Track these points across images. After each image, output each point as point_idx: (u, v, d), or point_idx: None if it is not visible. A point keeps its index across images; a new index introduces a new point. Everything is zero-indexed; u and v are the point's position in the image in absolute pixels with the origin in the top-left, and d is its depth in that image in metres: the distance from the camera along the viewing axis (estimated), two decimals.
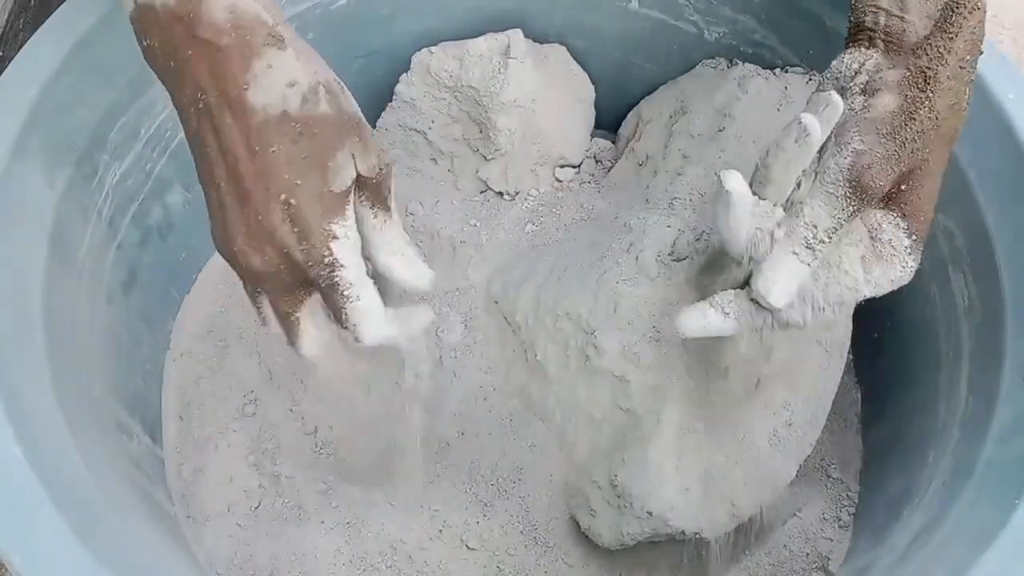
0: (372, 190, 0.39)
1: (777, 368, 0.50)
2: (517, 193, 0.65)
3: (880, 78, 0.41)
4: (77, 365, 0.46)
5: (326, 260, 0.38)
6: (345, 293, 0.39)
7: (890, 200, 0.41)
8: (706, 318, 0.42)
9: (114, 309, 0.52)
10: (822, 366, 0.54)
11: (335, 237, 0.38)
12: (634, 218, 0.57)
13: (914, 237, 0.41)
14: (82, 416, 0.44)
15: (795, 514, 0.56)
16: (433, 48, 0.62)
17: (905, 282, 0.42)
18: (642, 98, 0.67)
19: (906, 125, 0.39)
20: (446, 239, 0.63)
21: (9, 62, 0.46)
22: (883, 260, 0.41)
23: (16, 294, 0.43)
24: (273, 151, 0.37)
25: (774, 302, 0.40)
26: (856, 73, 0.42)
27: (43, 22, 0.48)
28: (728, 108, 0.58)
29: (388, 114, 0.64)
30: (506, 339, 0.60)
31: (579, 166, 0.66)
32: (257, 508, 0.54)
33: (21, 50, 0.47)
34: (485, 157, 0.64)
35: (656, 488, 0.51)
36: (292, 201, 0.37)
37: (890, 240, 0.41)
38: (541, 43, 0.65)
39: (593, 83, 0.67)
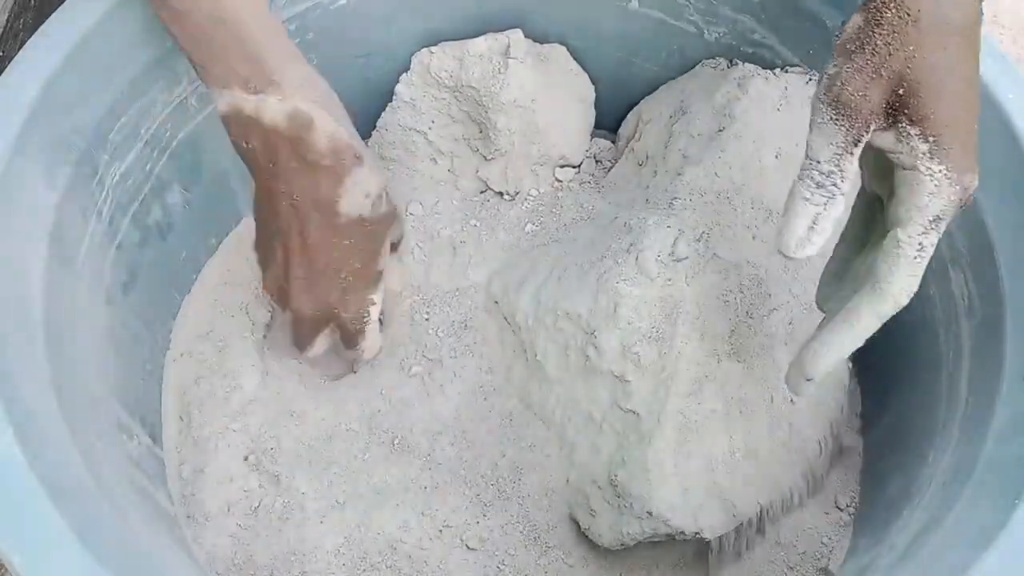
0: (394, 250, 0.53)
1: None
2: (517, 193, 0.65)
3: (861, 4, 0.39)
4: (77, 365, 0.46)
5: (364, 319, 0.52)
6: (364, 333, 0.53)
7: (895, 111, 0.38)
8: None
9: (114, 309, 0.52)
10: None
11: (373, 303, 0.52)
12: (634, 218, 0.57)
13: (931, 139, 0.37)
14: (82, 416, 0.44)
15: (795, 514, 0.56)
16: (433, 48, 0.62)
17: (946, 197, 0.37)
18: (642, 98, 0.67)
19: (873, 32, 0.37)
20: (446, 239, 0.63)
21: (9, 62, 0.46)
22: (908, 182, 0.38)
23: (16, 294, 0.43)
24: (348, 243, 0.48)
25: (789, 252, 0.39)
26: None
27: (43, 22, 0.48)
28: (728, 108, 0.58)
29: (388, 114, 0.64)
30: (506, 339, 0.60)
31: (579, 166, 0.66)
32: (257, 508, 0.54)
33: (21, 50, 0.47)
34: (485, 157, 0.64)
35: (656, 488, 0.51)
36: (350, 279, 0.50)
37: (909, 151, 0.38)
38: (541, 43, 0.64)
39: (593, 83, 0.67)
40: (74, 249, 0.48)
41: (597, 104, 0.67)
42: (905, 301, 0.40)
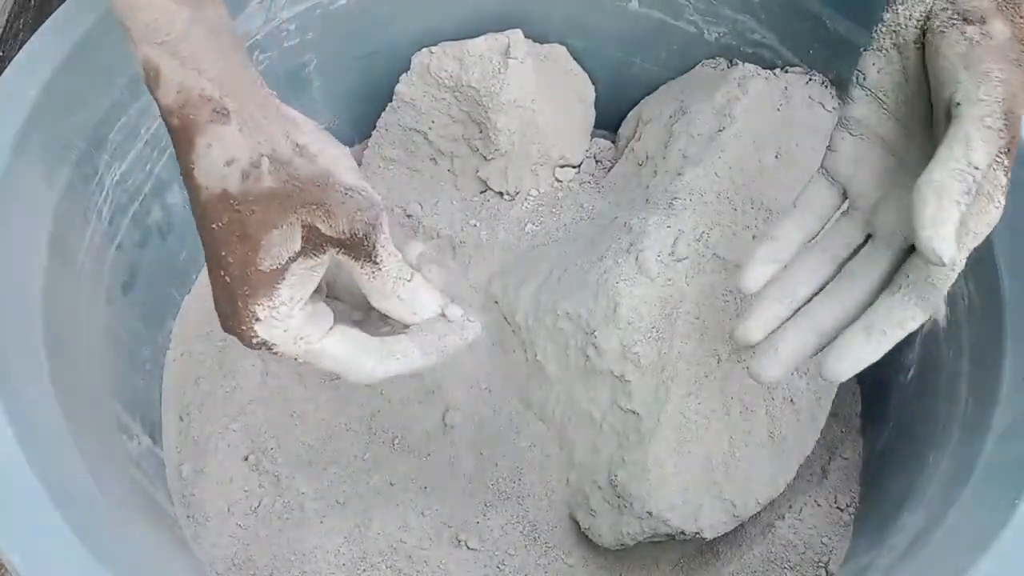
0: (351, 248, 0.37)
1: None
2: (517, 193, 0.65)
3: (973, 7, 0.37)
4: (77, 365, 0.46)
5: (254, 342, 0.38)
6: (301, 362, 0.39)
7: None
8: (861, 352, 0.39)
9: (114, 309, 0.52)
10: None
11: (257, 319, 0.37)
12: (634, 218, 0.57)
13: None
14: (82, 416, 0.44)
15: (795, 514, 0.56)
16: (433, 48, 0.61)
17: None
18: (642, 98, 0.67)
19: (1020, 50, 0.36)
20: (446, 239, 0.63)
21: (9, 62, 0.46)
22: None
23: (16, 294, 0.43)
24: (214, 227, 0.36)
25: (949, 259, 0.35)
26: (920, 19, 0.39)
27: (43, 22, 0.48)
28: (728, 108, 0.58)
29: (388, 114, 0.64)
30: (506, 339, 0.60)
31: (579, 166, 0.66)
32: (257, 508, 0.54)
33: (21, 50, 0.47)
34: (485, 157, 0.64)
35: (656, 488, 0.51)
36: (227, 279, 0.36)
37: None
38: (541, 43, 0.64)
39: (593, 83, 0.67)
40: (74, 249, 0.48)
41: (597, 104, 0.67)
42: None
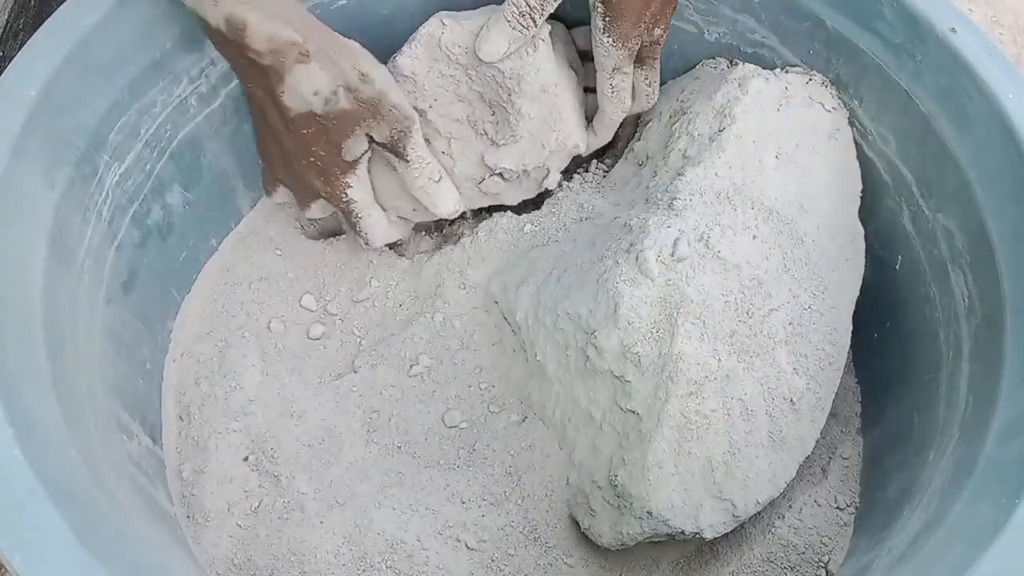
0: (390, 149, 0.55)
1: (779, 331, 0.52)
2: (526, 172, 0.61)
3: None
4: (77, 365, 0.46)
5: (344, 199, 0.56)
6: (358, 214, 0.57)
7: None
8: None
9: (114, 309, 0.52)
10: (827, 353, 0.54)
11: (349, 186, 0.55)
12: (634, 218, 0.57)
13: (607, 18, 0.54)
14: (82, 416, 0.44)
15: (795, 514, 0.56)
16: (446, 19, 0.56)
17: (615, 56, 0.56)
18: None
19: None
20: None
21: (9, 62, 0.46)
22: (594, 45, 0.56)
23: (16, 294, 0.43)
24: (304, 133, 0.51)
25: (486, 58, 0.54)
26: None
27: (43, 22, 0.48)
28: (728, 108, 0.58)
29: None
30: (506, 339, 0.60)
31: (581, 165, 0.66)
32: (257, 508, 0.54)
33: (21, 50, 0.47)
34: (495, 142, 0.60)
35: (656, 488, 0.51)
36: (319, 164, 0.53)
37: (594, 25, 0.55)
38: None
39: None
40: (74, 249, 0.48)
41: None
42: (617, 120, 0.60)
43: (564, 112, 0.58)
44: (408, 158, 0.55)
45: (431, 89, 0.57)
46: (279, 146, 0.54)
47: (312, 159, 0.53)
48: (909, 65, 0.55)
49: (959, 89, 0.52)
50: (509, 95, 0.57)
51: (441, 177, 0.57)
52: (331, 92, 0.50)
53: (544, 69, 0.56)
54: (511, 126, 0.58)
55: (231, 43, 0.48)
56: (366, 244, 0.59)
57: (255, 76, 0.50)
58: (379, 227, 0.58)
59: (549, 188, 0.62)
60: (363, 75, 0.51)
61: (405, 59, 0.56)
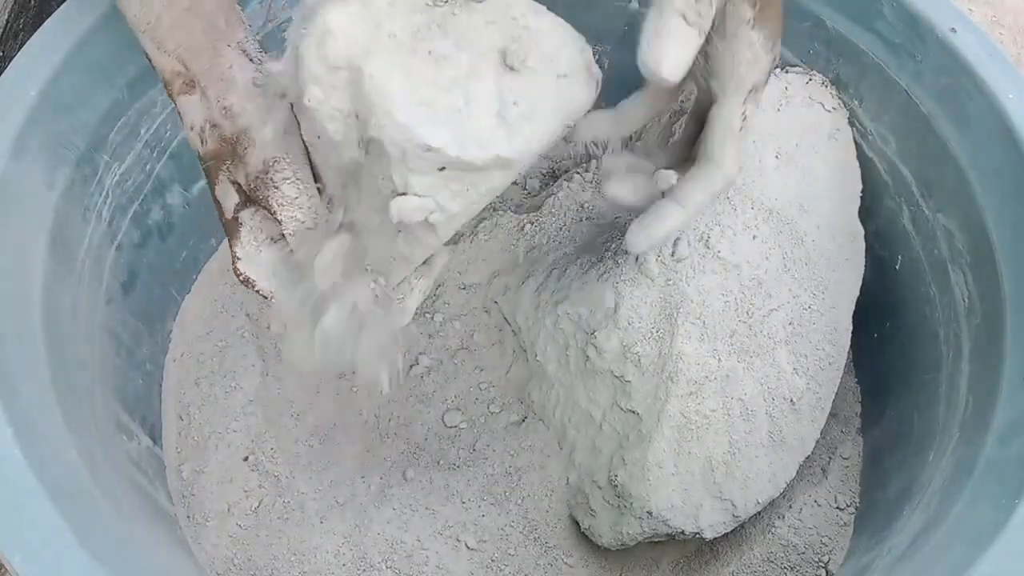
0: (259, 204, 0.42)
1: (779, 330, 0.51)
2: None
3: None
4: (77, 365, 0.46)
5: (240, 277, 0.43)
6: (272, 301, 0.43)
7: None
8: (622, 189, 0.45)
9: (114, 309, 0.52)
10: (827, 353, 0.54)
11: (237, 258, 0.43)
12: (634, 218, 0.57)
13: (757, 6, 0.38)
14: (82, 416, 0.44)
15: (795, 514, 0.56)
16: None
17: (763, 66, 0.40)
18: None
19: None
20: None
21: (9, 62, 0.46)
22: (730, 51, 0.39)
23: (16, 294, 0.43)
24: (208, 186, 0.42)
25: (667, 74, 0.37)
26: None
27: (43, 22, 0.48)
28: None
29: None
30: (506, 339, 0.60)
31: (581, 165, 0.66)
32: (257, 508, 0.54)
33: (21, 50, 0.47)
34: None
35: (656, 488, 0.51)
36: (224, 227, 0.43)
37: (735, 16, 0.39)
38: None
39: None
40: (74, 249, 0.48)
41: (597, 104, 0.67)
42: (735, 174, 0.42)
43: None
44: (276, 214, 0.41)
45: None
46: None
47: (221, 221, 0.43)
48: (909, 65, 0.55)
49: (959, 89, 0.52)
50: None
51: (316, 226, 0.42)
52: (202, 128, 0.42)
53: None
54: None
55: None
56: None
57: None
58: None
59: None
60: (225, 109, 0.41)
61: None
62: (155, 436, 0.55)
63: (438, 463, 0.57)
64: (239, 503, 0.54)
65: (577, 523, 0.56)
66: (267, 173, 0.41)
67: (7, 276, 0.43)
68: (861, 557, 0.52)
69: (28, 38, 0.47)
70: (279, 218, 0.41)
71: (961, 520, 0.43)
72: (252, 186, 0.41)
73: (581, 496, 0.55)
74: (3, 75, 0.46)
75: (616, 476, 0.52)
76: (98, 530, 0.38)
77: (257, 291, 0.44)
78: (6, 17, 0.75)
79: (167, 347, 0.59)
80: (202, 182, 0.59)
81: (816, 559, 0.55)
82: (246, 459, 0.56)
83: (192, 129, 0.42)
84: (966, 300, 0.52)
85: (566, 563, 0.55)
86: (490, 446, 0.57)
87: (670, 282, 0.53)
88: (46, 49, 0.47)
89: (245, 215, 0.42)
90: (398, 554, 0.53)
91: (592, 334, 0.53)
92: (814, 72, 0.59)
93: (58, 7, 0.48)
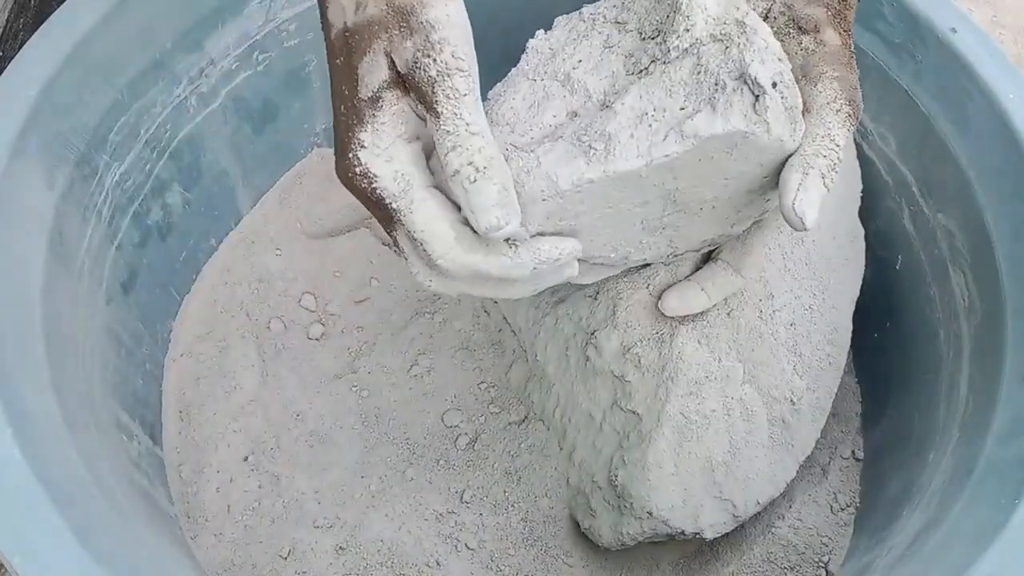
0: (413, 89, 0.36)
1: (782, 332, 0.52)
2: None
3: (807, 15, 0.42)
4: (77, 365, 0.46)
5: (358, 171, 0.36)
6: (393, 207, 0.36)
7: None
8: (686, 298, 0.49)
9: (114, 309, 0.52)
10: (827, 353, 0.54)
11: (362, 146, 0.36)
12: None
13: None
14: (82, 416, 0.44)
15: (795, 514, 0.56)
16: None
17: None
18: None
19: (850, 55, 0.42)
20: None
21: (9, 62, 0.46)
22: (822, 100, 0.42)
23: (16, 294, 0.43)
24: (337, 63, 0.37)
25: (811, 225, 0.39)
26: (760, 15, 0.43)
27: (43, 22, 0.48)
28: None
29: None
30: (506, 339, 0.60)
31: None
32: (257, 508, 0.54)
33: (21, 50, 0.47)
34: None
35: (656, 488, 0.51)
36: (343, 116, 0.36)
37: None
38: None
39: None
40: (74, 249, 0.48)
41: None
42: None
43: None
44: (438, 109, 0.35)
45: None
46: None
47: (342, 108, 0.37)
48: (909, 65, 0.55)
49: (959, 89, 0.52)
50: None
51: (489, 167, 0.35)
52: None
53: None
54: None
55: None
56: (430, 266, 0.38)
57: None
58: (439, 234, 0.36)
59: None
60: None
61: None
62: (155, 436, 0.55)
63: (438, 463, 0.57)
64: (239, 503, 0.54)
65: (577, 523, 0.56)
66: (441, 54, 0.35)
67: (7, 276, 0.43)
68: (861, 557, 0.52)
69: (28, 38, 0.47)
70: (439, 110, 0.35)
71: (961, 520, 0.43)
72: (416, 63, 0.35)
73: (581, 496, 0.55)
74: (3, 75, 0.46)
75: (616, 476, 0.52)
76: (98, 530, 0.38)
77: (372, 190, 0.36)
78: (6, 17, 0.75)
79: (167, 347, 0.59)
80: (202, 182, 0.59)
81: (816, 559, 0.55)
82: (246, 459, 0.56)
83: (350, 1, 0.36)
84: (966, 300, 0.52)
85: (566, 563, 0.55)
86: (490, 446, 0.57)
87: (669, 282, 0.53)
88: (46, 49, 0.47)
89: (390, 96, 0.36)
90: (397, 554, 0.53)
91: (592, 334, 0.53)
92: None
93: (58, 7, 0.48)
